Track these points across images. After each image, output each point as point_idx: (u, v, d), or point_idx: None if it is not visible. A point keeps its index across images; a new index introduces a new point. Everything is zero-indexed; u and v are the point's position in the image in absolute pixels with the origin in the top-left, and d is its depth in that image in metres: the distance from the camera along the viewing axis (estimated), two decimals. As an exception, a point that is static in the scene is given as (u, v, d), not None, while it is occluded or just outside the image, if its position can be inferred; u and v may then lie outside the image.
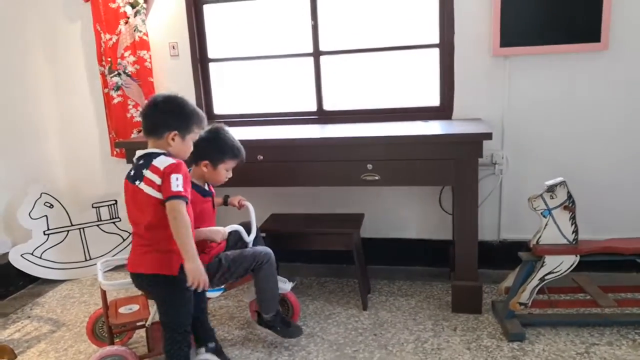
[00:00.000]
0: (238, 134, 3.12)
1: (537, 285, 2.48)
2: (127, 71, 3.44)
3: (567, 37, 2.88)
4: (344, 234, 2.86)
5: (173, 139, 2.01)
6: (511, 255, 2.85)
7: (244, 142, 2.92)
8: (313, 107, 3.41)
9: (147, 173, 1.94)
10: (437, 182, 2.91)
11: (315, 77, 3.34)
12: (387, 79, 3.31)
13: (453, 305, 2.80)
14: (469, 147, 2.58)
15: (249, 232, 2.48)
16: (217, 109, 3.60)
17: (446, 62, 3.12)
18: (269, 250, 2.40)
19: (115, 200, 3.69)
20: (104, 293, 2.38)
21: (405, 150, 2.64)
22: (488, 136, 2.54)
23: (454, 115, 3.16)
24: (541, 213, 2.48)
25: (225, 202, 2.64)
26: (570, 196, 2.45)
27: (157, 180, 1.92)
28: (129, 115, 3.50)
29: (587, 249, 2.45)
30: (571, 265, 2.45)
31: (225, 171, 2.38)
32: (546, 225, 2.47)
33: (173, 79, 3.50)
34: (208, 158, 2.34)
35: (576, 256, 2.45)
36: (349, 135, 2.79)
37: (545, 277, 2.47)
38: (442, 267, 3.27)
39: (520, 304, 2.51)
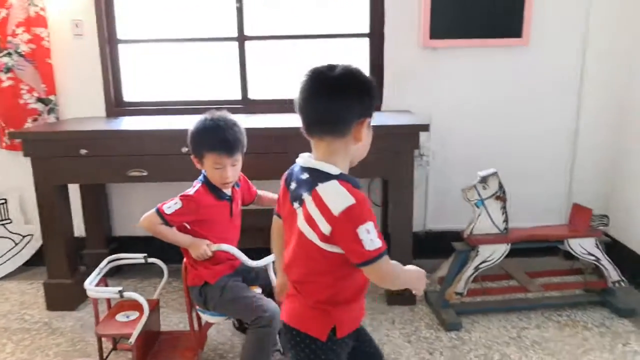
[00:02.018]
0: (156, 123, 2.89)
1: (471, 275, 2.52)
2: (19, 51, 2.99)
3: (492, 31, 2.96)
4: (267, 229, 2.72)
5: (360, 132, 1.32)
6: (437, 245, 2.92)
7: (164, 133, 2.69)
8: (237, 96, 3.21)
9: (308, 202, 1.28)
10: (372, 174, 2.86)
11: (240, 63, 3.14)
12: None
13: (388, 298, 2.77)
14: (406, 138, 2.55)
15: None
16: (128, 96, 3.26)
17: (376, 53, 3.07)
18: (274, 313, 1.88)
19: (5, 199, 3.22)
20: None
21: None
22: (425, 127, 2.54)
23: (382, 106, 3.12)
24: (475, 204, 2.52)
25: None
26: (501, 186, 2.51)
27: (325, 226, 1.24)
28: (21, 101, 3.05)
29: (516, 237, 2.53)
30: (503, 254, 2.53)
31: (215, 169, 1.97)
32: (479, 215, 2.52)
33: (76, 61, 3.11)
34: (193, 152, 2.05)
35: (507, 244, 2.52)
36: (280, 125, 2.64)
37: (479, 266, 2.52)
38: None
39: (457, 293, 2.53)
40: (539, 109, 3.08)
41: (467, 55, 3.04)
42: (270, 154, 2.55)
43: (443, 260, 2.81)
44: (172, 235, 1.99)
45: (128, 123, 2.99)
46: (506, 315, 2.60)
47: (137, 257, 2.20)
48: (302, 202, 1.29)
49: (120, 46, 3.17)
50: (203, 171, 2.05)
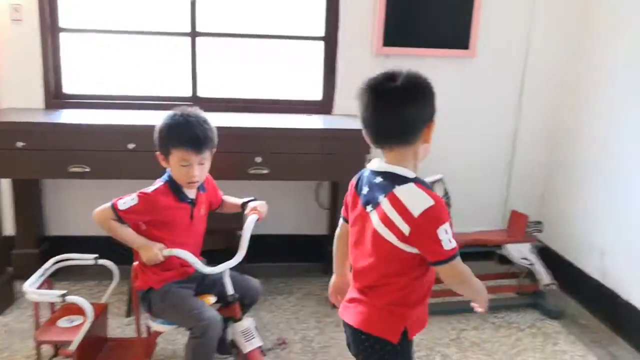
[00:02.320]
0: (99, 117, 2.77)
1: (417, 278, 2.60)
2: (-50, 33, 2.79)
3: (442, 42, 3.07)
4: (224, 231, 2.69)
5: (428, 135, 1.37)
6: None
7: (108, 128, 2.60)
8: (187, 92, 3.14)
9: (384, 204, 1.30)
10: (324, 176, 2.89)
11: (192, 59, 3.07)
12: (269, 69, 3.20)
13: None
14: (358, 142, 2.57)
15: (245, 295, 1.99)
16: (69, 88, 3.11)
17: (330, 57, 3.10)
18: (213, 324, 1.81)
19: None
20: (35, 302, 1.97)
21: (298, 143, 2.58)
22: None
23: (334, 110, 3.16)
24: (421, 208, 2.60)
25: (243, 209, 2.09)
26: (446, 192, 2.61)
27: (404, 227, 1.27)
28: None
29: (460, 242, 2.62)
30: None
31: (181, 166, 1.87)
32: (425, 220, 2.60)
33: (14, 48, 2.92)
34: (159, 148, 1.93)
35: (451, 249, 2.62)
36: (238, 125, 2.62)
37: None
38: (317, 262, 3.28)
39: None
40: (483, 118, 3.22)
41: (417, 64, 3.02)
42: (218, 154, 2.52)
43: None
44: (124, 233, 1.87)
45: (69, 116, 2.86)
46: (446, 318, 2.70)
47: (87, 258, 2.07)
48: (376, 205, 1.31)
49: (62, 35, 3.02)
50: (168, 170, 1.95)
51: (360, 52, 3.09)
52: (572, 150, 3.05)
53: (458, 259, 1.31)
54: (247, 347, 1.91)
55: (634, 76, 2.56)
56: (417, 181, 1.33)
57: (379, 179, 1.35)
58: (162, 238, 1.88)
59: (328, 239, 3.21)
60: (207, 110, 2.96)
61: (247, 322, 1.94)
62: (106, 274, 2.16)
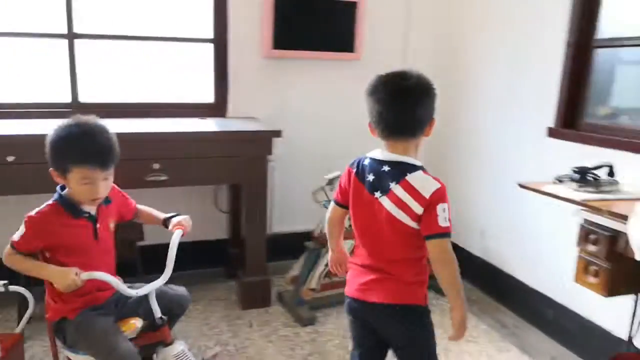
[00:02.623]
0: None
1: (323, 271, 2.69)
2: None
3: (330, 46, 3.20)
4: (123, 242, 2.55)
5: (431, 129, 1.59)
6: (282, 247, 3.04)
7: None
8: (66, 98, 2.91)
9: (396, 189, 1.48)
10: (227, 180, 2.87)
11: (70, 63, 2.86)
12: (156, 71, 3.08)
13: (242, 301, 2.80)
14: (260, 144, 2.62)
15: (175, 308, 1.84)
16: None
17: (221, 59, 3.08)
18: (130, 357, 1.64)
19: None
20: None
21: (197, 147, 2.52)
22: (278, 134, 2.63)
23: (228, 113, 3.14)
24: (323, 204, 2.69)
25: (166, 223, 1.91)
26: (331, 181, 2.72)
27: (418, 208, 1.46)
28: None
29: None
30: (350, 248, 2.74)
31: (82, 185, 1.64)
32: (328, 215, 2.70)
33: None
34: (51, 164, 1.67)
35: (353, 240, 2.74)
36: (132, 130, 2.49)
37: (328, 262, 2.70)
38: (217, 267, 3.24)
39: (311, 289, 2.68)
40: (362, 119, 3.40)
41: (307, 67, 3.23)
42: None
43: (291, 261, 2.93)
44: (31, 266, 1.64)
45: None
46: None
47: None
48: (387, 191, 1.49)
49: None
50: (58, 187, 1.72)
51: (250, 55, 3.11)
52: (453, 140, 3.33)
53: (449, 240, 1.47)
54: None
55: (504, 71, 2.89)
56: (423, 169, 1.52)
57: (386, 168, 1.52)
58: (67, 264, 1.63)
59: (229, 242, 3.23)
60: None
61: (179, 345, 1.76)
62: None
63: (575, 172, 1.99)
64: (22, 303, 2.05)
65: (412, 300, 1.56)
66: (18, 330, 1.76)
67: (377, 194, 1.51)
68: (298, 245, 2.86)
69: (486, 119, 3.03)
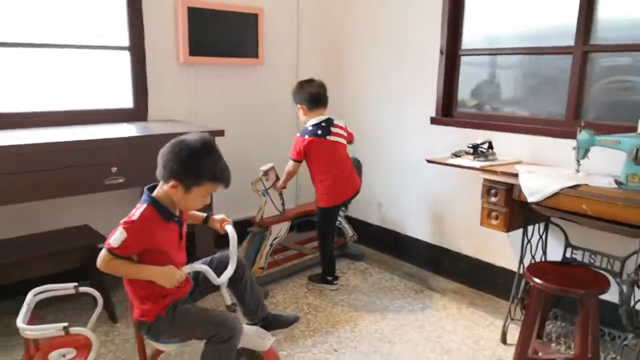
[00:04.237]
0: None
1: (268, 250, 3.07)
2: None
3: (237, 52, 3.55)
4: (77, 249, 2.62)
5: None
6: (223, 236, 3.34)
7: None
8: (-21, 110, 2.78)
9: (337, 130, 3.03)
10: None
11: (-16, 73, 2.73)
12: (70, 79, 3.07)
13: (194, 290, 3.02)
14: (205, 143, 2.88)
15: (223, 270, 1.90)
16: None
17: (138, 66, 3.21)
18: (238, 325, 1.83)
19: None
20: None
21: (149, 149, 2.65)
22: (220, 133, 2.92)
23: (149, 117, 3.28)
24: (261, 193, 3.07)
25: (206, 221, 2.04)
26: (277, 177, 3.14)
27: (345, 135, 3.08)
28: None
29: (294, 214, 3.23)
30: (287, 229, 3.17)
31: (201, 197, 1.81)
32: (265, 202, 3.09)
33: None
34: (178, 178, 1.75)
35: (289, 222, 3.18)
36: (92, 137, 2.57)
37: (273, 243, 3.10)
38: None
39: (260, 268, 3.04)
40: (273, 111, 3.84)
41: (219, 71, 3.53)
42: (72, 168, 2.47)
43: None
44: (132, 269, 1.74)
45: None
46: (299, 275, 3.29)
47: (67, 287, 1.91)
48: (331, 133, 2.97)
49: None
50: (146, 190, 1.84)
51: (167, 61, 3.31)
52: (356, 132, 3.91)
53: None
54: (267, 344, 1.99)
55: (393, 72, 3.57)
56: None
57: (324, 123, 2.98)
58: (156, 264, 1.77)
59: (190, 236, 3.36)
60: (9, 128, 2.79)
61: (249, 329, 2.00)
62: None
63: (469, 147, 2.74)
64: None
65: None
66: (88, 327, 1.84)
67: (329, 137, 2.94)
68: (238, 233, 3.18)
69: (382, 113, 3.67)
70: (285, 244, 3.41)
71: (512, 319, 2.60)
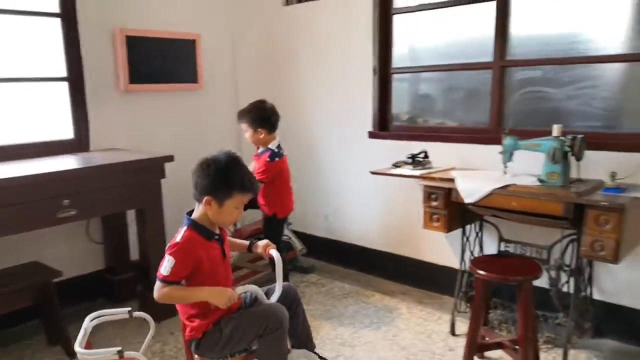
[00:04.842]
0: None
1: (224, 271, 3.13)
2: None
3: (178, 77, 3.62)
4: (30, 287, 2.57)
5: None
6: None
7: None
8: None
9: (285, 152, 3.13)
10: (130, 205, 3.01)
11: None
12: (5, 113, 3.01)
13: (155, 316, 2.96)
14: (155, 169, 2.92)
15: (270, 293, 1.97)
16: None
17: (77, 96, 3.19)
18: (283, 311, 1.91)
19: None
20: None
21: (100, 180, 2.69)
22: (170, 158, 2.97)
23: (91, 147, 3.26)
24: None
25: (250, 249, 2.10)
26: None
27: None
28: None
29: (246, 233, 3.31)
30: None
31: (234, 209, 1.87)
32: (218, 223, 3.16)
33: None
34: (211, 193, 1.82)
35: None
36: (39, 171, 2.54)
37: (228, 262, 3.16)
38: (97, 299, 3.32)
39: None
40: (214, 133, 3.92)
41: (160, 97, 3.57)
42: (24, 205, 2.44)
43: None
44: (186, 293, 1.82)
45: None
46: None
47: (121, 312, 2.03)
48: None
49: None
50: (186, 215, 1.91)
51: (107, 90, 3.31)
52: (298, 149, 4.01)
53: None
54: None
55: (331, 92, 3.77)
56: None
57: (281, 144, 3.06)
58: (204, 284, 1.84)
59: (109, 271, 3.32)
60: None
61: (296, 352, 2.04)
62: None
63: (408, 157, 2.98)
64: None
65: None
66: (141, 352, 1.91)
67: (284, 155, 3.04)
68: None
69: (323, 129, 3.84)
70: (239, 264, 3.48)
71: (458, 312, 2.85)
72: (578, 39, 2.75)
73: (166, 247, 1.83)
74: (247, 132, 3.18)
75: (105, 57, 3.28)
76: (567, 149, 2.40)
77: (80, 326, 2.03)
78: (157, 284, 1.80)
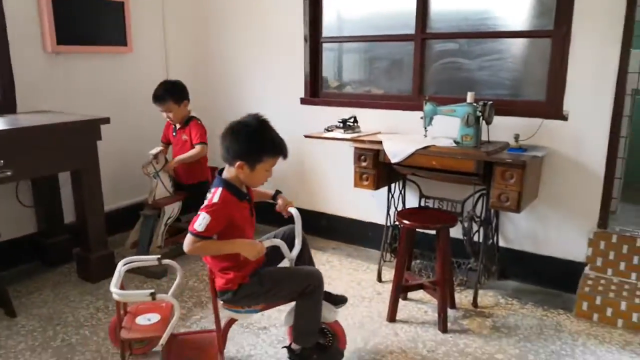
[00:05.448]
0: None
1: (164, 230, 3.22)
2: None
3: (107, 40, 3.56)
4: None
5: None
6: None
7: None
8: None
9: None
10: (67, 167, 2.97)
11: None
12: None
13: (93, 276, 3.06)
14: (91, 131, 2.92)
15: (290, 244, 2.09)
16: None
17: (3, 56, 3.07)
18: (319, 272, 2.06)
19: None
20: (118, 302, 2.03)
21: (36, 141, 2.66)
22: (106, 120, 2.98)
23: (18, 109, 3.17)
24: (152, 176, 3.20)
25: (274, 197, 2.22)
26: (166, 159, 3.29)
27: None
28: None
29: (183, 196, 3.40)
30: (179, 209, 3.34)
31: (265, 172, 1.99)
32: (157, 184, 3.22)
33: None
34: (243, 158, 1.92)
35: (180, 202, 3.35)
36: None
37: (167, 222, 3.25)
38: (32, 262, 3.30)
39: (158, 247, 3.18)
40: (144, 99, 3.86)
41: (89, 60, 3.51)
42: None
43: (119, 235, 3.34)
44: (218, 246, 1.93)
45: None
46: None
47: (151, 259, 2.24)
48: None
49: None
50: (217, 175, 2.00)
51: (34, 51, 3.22)
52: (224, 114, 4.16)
53: None
54: (334, 316, 2.18)
55: (265, 60, 3.88)
56: None
57: None
58: (232, 238, 1.95)
59: (38, 235, 3.29)
60: None
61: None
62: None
63: (339, 122, 3.19)
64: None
65: None
66: (169, 295, 2.04)
67: None
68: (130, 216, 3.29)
69: (255, 97, 3.95)
70: (176, 225, 3.55)
71: (384, 262, 3.16)
72: (488, 16, 3.07)
73: (203, 205, 1.92)
74: (170, 111, 3.27)
75: (31, 17, 3.17)
76: (479, 114, 2.72)
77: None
78: (190, 238, 1.88)
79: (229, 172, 2.00)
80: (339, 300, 2.31)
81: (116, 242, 3.50)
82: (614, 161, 2.77)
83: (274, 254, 2.10)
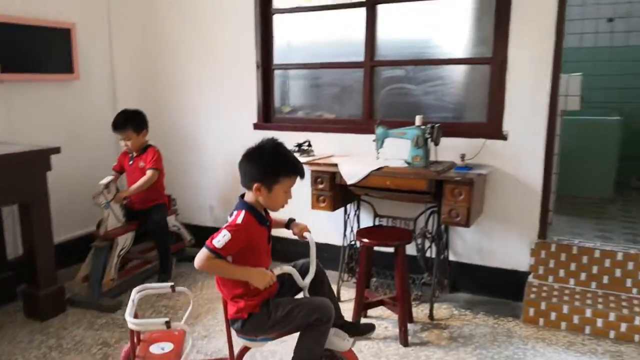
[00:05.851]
0: None
1: (116, 262, 3.14)
2: None
3: (53, 68, 3.48)
4: None
5: None
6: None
7: None
8: None
9: None
10: (15, 199, 2.84)
11: None
12: None
13: (41, 314, 2.92)
14: (40, 162, 2.83)
15: (305, 274, 2.04)
16: None
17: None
18: (331, 305, 1.99)
19: None
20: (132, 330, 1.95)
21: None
22: (57, 150, 2.89)
23: (-41, 140, 3.03)
24: (103, 206, 3.12)
25: (288, 226, 2.19)
26: (117, 189, 3.22)
27: None
28: None
29: (137, 225, 3.33)
30: (132, 239, 3.27)
31: (283, 193, 1.98)
32: (108, 215, 3.15)
33: None
34: (259, 180, 1.92)
35: (133, 232, 3.28)
36: None
37: (120, 253, 3.17)
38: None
39: (111, 280, 3.09)
40: (92, 128, 3.82)
41: (34, 88, 3.40)
42: None
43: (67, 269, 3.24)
44: (230, 269, 1.91)
45: None
46: (149, 282, 3.26)
47: (164, 287, 2.15)
48: None
49: None
50: (240, 198, 2.01)
51: (-25, 79, 3.09)
52: (183, 142, 4.08)
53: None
54: (347, 345, 2.10)
55: (215, 86, 3.90)
56: None
57: None
58: (247, 265, 1.92)
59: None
60: None
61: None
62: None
63: (295, 146, 3.27)
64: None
65: None
66: (182, 324, 1.97)
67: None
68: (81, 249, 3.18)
69: (206, 122, 3.97)
70: (131, 256, 3.47)
71: (343, 281, 3.23)
72: (432, 44, 3.29)
73: (226, 225, 1.92)
74: (129, 140, 3.25)
75: (-29, 44, 3.06)
76: (428, 135, 2.89)
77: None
78: (205, 253, 1.85)
79: (249, 197, 2.01)
80: (366, 329, 2.37)
81: (65, 275, 3.36)
82: (549, 177, 3.02)
83: (290, 283, 2.09)
